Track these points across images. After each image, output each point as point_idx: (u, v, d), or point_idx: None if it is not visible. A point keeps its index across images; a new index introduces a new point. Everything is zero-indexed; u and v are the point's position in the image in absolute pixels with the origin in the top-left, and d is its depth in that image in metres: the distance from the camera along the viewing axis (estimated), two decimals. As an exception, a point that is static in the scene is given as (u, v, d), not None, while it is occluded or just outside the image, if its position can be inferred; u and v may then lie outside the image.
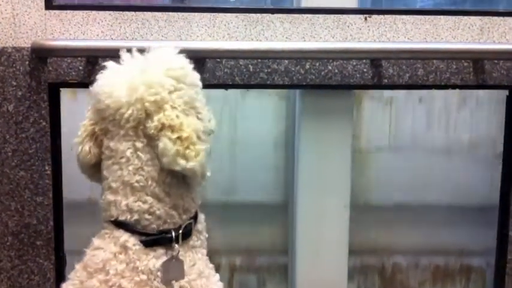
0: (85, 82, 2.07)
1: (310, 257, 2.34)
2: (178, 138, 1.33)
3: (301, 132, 2.28)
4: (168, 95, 1.36)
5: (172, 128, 1.33)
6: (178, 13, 2.10)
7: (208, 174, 1.40)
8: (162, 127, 1.34)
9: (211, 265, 1.49)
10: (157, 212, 1.39)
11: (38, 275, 2.14)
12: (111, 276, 1.35)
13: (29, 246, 2.13)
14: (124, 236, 1.39)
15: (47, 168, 2.10)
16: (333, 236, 2.33)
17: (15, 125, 2.07)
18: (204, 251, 1.48)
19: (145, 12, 2.09)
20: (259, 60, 2.11)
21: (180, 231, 1.39)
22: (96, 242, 1.43)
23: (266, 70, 2.13)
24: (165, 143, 1.33)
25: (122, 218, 1.40)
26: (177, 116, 1.34)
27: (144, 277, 1.35)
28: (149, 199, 1.39)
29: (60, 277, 2.13)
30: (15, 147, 2.08)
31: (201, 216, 1.50)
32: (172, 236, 1.38)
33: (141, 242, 1.38)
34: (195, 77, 1.43)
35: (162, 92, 1.35)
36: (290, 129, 2.44)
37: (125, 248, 1.38)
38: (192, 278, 1.39)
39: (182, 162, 1.33)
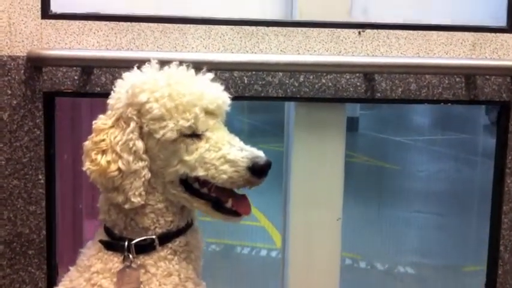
0: (80, 92, 2.08)
1: (302, 270, 2.34)
2: (92, 139, 1.38)
3: (295, 145, 2.29)
4: (118, 103, 1.39)
5: (94, 130, 1.39)
6: (174, 24, 2.12)
7: (135, 200, 1.36)
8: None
9: (198, 280, 1.48)
10: (113, 217, 1.42)
11: (30, 285, 2.13)
12: (93, 274, 1.39)
13: (20, 255, 2.12)
14: (100, 235, 1.45)
15: (40, 177, 2.09)
16: (326, 249, 2.33)
17: (9, 134, 2.07)
18: (189, 266, 1.45)
19: (141, 23, 2.10)
20: (254, 72, 2.13)
21: (132, 243, 1.39)
22: (89, 242, 1.48)
23: (260, 82, 2.14)
24: (87, 142, 1.39)
25: (100, 216, 1.46)
26: (105, 123, 1.38)
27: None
28: (108, 200, 1.43)
29: (52, 287, 2.12)
30: (9, 155, 2.08)
31: (191, 235, 1.48)
32: (124, 245, 1.39)
33: (100, 241, 1.43)
34: (145, 104, 1.35)
35: (120, 100, 1.39)
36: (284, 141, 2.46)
37: (101, 248, 1.43)
38: None
39: (87, 163, 1.37)
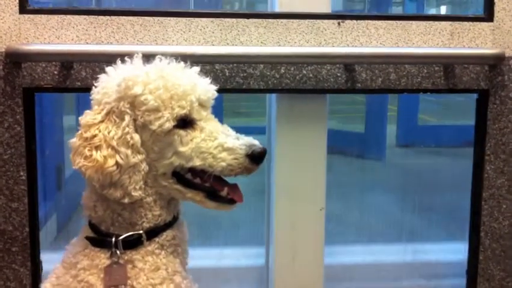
0: (60, 87, 2.07)
1: (286, 260, 2.36)
2: (81, 135, 1.34)
3: (277, 136, 2.30)
4: (107, 98, 1.37)
5: (82, 126, 1.35)
6: (154, 18, 2.11)
7: (136, 194, 1.35)
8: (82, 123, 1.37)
9: (185, 274, 1.49)
10: (99, 213, 1.41)
11: (14, 282, 2.12)
12: (80, 271, 1.38)
13: (4, 252, 2.11)
14: (85, 232, 1.44)
15: (21, 173, 2.08)
16: (309, 239, 2.35)
17: (-11, 131, 2.06)
18: (176, 259, 1.46)
19: (120, 17, 2.09)
20: (235, 64, 2.13)
21: (120, 238, 1.39)
22: (74, 239, 1.47)
23: (242, 74, 2.15)
24: (74, 139, 1.35)
25: (85, 212, 1.44)
26: (94, 118, 1.35)
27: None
28: (94, 197, 1.41)
29: (36, 283, 2.11)
30: (-11, 152, 2.06)
31: (178, 229, 1.48)
32: (112, 241, 1.39)
33: (86, 238, 1.42)
34: (140, 96, 1.34)
35: (108, 94, 1.37)
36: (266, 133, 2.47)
37: (87, 244, 1.42)
38: (156, 282, 1.39)
39: (77, 160, 1.33)
